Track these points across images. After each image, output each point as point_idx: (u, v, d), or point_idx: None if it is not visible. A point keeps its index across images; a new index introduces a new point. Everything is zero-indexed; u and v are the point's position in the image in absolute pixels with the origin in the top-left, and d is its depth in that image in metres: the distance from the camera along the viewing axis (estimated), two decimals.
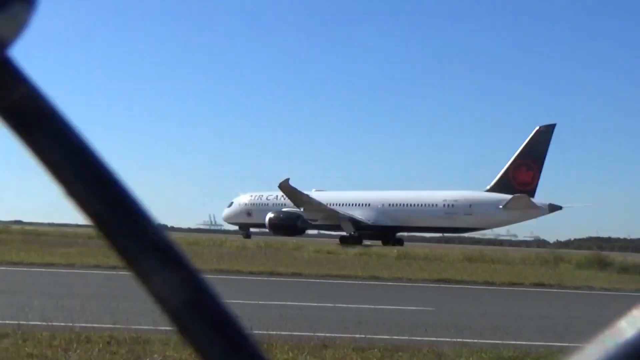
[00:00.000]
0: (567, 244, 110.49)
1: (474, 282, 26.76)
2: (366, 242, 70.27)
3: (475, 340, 12.44)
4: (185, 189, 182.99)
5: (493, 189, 70.63)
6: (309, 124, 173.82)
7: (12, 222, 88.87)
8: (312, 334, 11.69)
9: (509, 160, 70.78)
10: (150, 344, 10.25)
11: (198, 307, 0.61)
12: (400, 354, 10.88)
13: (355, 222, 71.99)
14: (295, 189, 68.43)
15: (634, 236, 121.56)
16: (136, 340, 10.52)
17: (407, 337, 12.23)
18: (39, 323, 11.55)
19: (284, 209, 74.43)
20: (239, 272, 25.97)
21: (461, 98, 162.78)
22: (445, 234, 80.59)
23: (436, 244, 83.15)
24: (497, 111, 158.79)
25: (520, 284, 26.94)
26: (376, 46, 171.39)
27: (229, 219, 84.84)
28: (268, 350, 10.32)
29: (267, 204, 77.83)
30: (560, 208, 69.12)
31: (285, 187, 67.76)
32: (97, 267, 24.78)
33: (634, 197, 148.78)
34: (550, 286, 26.93)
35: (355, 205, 74.23)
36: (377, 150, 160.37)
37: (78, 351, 9.82)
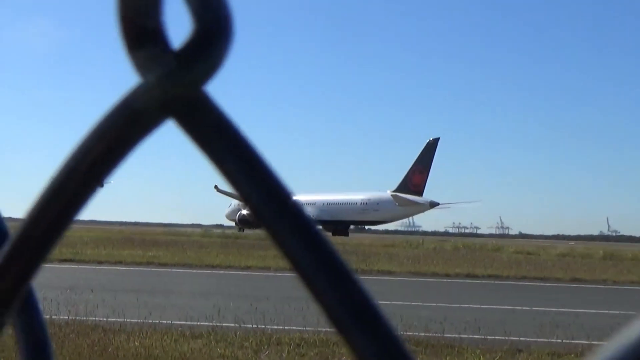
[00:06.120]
0: None
1: None
2: None
3: None
4: None
5: (397, 190, 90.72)
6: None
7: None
8: (505, 337, 11.70)
9: (409, 166, 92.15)
10: (339, 346, 10.23)
11: (358, 313, 0.67)
12: None
13: None
14: (225, 192, 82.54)
15: None
16: (325, 342, 10.64)
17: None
18: (232, 325, 12.08)
19: None
20: (434, 275, 26.14)
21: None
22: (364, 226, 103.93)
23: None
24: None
25: None
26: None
27: (228, 217, 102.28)
28: (459, 354, 10.53)
29: None
30: (438, 204, 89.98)
31: (218, 190, 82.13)
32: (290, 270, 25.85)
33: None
34: None
35: (306, 204, 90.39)
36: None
37: (268, 352, 10.07)
